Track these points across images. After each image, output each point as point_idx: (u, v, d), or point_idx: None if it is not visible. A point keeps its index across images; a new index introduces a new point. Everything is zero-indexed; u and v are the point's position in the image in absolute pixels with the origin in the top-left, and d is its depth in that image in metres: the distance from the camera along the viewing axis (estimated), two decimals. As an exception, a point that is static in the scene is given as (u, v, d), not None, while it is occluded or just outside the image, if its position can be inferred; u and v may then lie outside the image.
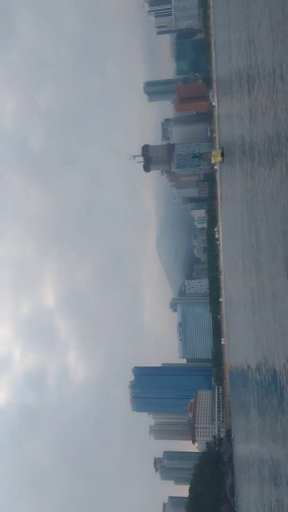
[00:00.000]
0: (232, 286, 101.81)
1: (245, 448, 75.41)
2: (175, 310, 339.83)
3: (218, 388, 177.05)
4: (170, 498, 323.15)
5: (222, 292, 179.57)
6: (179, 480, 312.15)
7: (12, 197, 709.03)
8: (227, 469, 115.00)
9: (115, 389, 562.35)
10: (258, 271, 43.22)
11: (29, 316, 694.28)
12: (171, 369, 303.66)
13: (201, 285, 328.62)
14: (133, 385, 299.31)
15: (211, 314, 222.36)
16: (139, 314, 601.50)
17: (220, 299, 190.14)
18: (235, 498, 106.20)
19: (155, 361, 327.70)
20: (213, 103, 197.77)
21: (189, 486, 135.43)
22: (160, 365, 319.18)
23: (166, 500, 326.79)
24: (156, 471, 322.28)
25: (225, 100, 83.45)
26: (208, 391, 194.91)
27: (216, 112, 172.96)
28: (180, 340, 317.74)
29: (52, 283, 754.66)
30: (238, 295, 78.19)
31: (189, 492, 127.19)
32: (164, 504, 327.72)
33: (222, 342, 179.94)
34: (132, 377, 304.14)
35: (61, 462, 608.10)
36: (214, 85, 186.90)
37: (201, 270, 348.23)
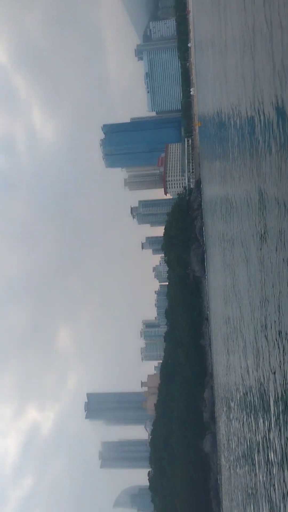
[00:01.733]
0: (201, 28, 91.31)
1: (212, 193, 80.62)
2: (141, 58, 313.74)
3: (188, 140, 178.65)
4: (147, 238, 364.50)
5: (191, 35, 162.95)
6: (154, 223, 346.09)
7: None
8: (197, 215, 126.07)
9: (86, 149, 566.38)
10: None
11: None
12: (141, 123, 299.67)
13: (168, 27, 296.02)
14: (104, 143, 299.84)
15: (180, 62, 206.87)
16: (102, 65, 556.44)
17: (189, 44, 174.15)
18: (203, 238, 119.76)
19: (124, 117, 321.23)
20: None
21: (163, 229, 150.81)
22: (129, 121, 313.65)
23: (144, 240, 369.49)
24: (133, 218, 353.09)
25: None
26: (178, 144, 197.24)
27: None
28: (148, 92, 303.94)
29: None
30: (207, 39, 70.70)
31: (164, 236, 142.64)
32: (142, 243, 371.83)
33: (191, 92, 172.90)
34: (102, 135, 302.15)
35: (44, 218, 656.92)
36: None
37: (167, 8, 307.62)
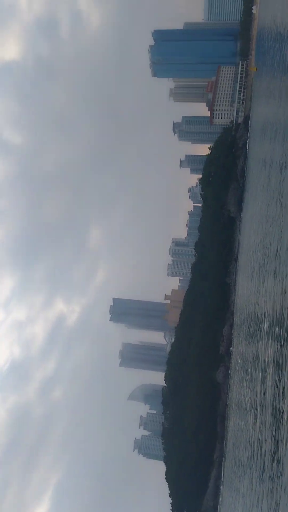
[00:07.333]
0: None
1: (260, 136, 77.38)
2: None
3: (242, 65, 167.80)
4: (187, 156, 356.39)
5: None
6: (196, 141, 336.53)
7: None
8: (240, 154, 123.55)
9: (132, 54, 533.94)
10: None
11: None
12: (194, 32, 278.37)
13: None
14: (153, 51, 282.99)
15: None
16: None
17: None
18: (244, 179, 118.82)
19: (178, 22, 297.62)
20: None
21: (205, 148, 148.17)
22: (182, 27, 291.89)
23: (183, 158, 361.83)
24: (174, 134, 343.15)
25: None
26: (231, 67, 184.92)
27: None
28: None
29: None
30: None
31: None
32: (180, 161, 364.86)
33: (253, 11, 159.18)
34: (152, 42, 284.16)
35: (82, 109, 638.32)
36: None
37: None
